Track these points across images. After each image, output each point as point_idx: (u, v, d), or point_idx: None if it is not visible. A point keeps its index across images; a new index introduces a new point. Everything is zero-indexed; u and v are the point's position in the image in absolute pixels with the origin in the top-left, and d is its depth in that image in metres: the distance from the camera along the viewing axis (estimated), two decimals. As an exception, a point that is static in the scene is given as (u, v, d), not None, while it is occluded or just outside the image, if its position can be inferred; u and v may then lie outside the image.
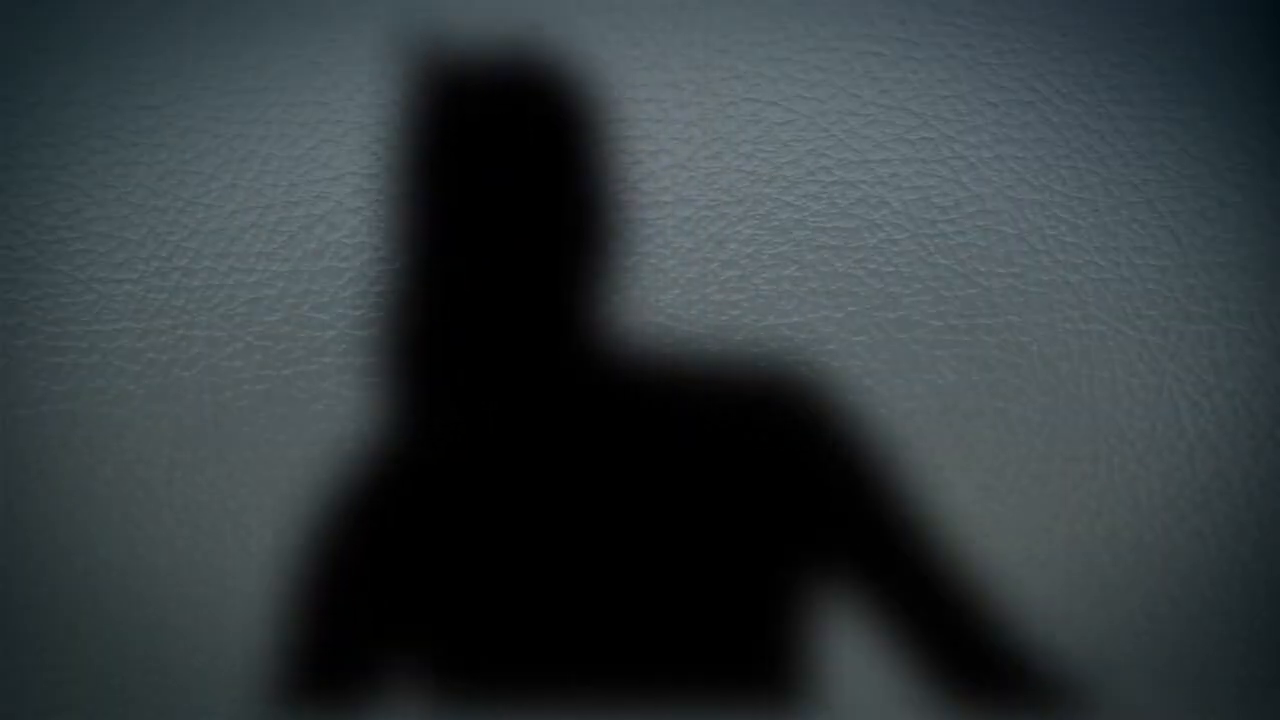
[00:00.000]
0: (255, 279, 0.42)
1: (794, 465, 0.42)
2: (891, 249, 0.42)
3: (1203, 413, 0.42)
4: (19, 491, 0.42)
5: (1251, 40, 0.42)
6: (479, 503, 0.43)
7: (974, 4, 0.42)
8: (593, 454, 0.42)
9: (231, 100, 0.42)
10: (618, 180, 0.42)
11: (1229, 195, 0.42)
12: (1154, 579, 0.43)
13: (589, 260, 0.42)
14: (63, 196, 0.42)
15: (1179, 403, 0.42)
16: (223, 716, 0.43)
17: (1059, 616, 0.43)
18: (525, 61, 0.42)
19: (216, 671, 0.43)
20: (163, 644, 0.43)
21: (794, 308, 0.42)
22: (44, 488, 0.42)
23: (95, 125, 0.42)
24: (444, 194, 0.42)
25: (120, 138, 0.42)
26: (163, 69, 0.42)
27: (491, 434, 0.42)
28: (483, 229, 0.42)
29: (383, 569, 0.43)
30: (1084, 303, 0.42)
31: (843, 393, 0.42)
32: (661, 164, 0.42)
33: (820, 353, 0.42)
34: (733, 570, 0.43)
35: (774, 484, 0.42)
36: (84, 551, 0.42)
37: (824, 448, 0.42)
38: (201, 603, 0.43)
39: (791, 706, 0.43)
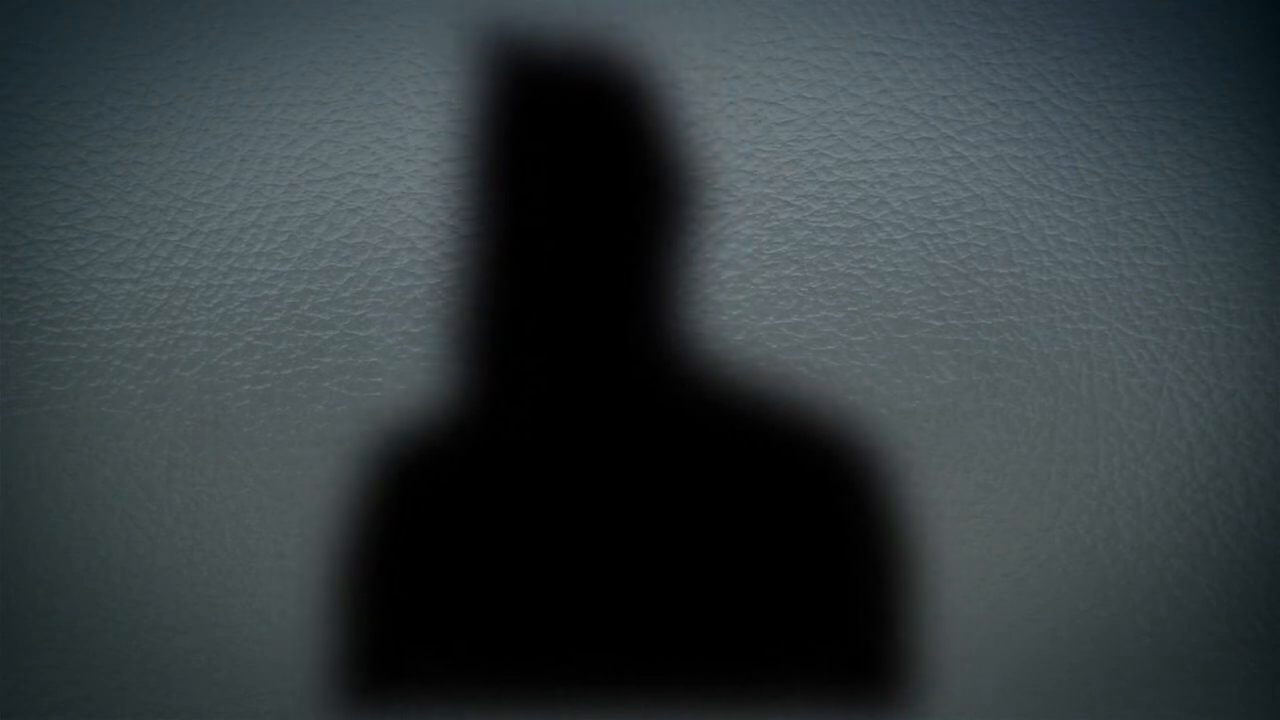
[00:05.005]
0: (255, 279, 0.42)
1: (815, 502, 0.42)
2: (891, 249, 0.42)
3: (1203, 413, 0.42)
4: (19, 491, 0.42)
5: (1251, 40, 0.42)
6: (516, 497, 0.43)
7: (974, 4, 0.42)
8: (642, 454, 0.42)
9: (231, 100, 0.42)
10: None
11: (1229, 195, 0.42)
12: (1154, 579, 0.43)
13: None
14: (63, 196, 0.42)
15: (1179, 403, 0.42)
16: (223, 716, 0.43)
17: (1060, 616, 0.43)
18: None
19: (216, 671, 0.43)
20: (162, 644, 0.43)
21: (794, 308, 0.42)
22: (44, 488, 0.42)
23: (95, 125, 0.42)
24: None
25: (120, 138, 0.42)
26: (163, 69, 0.42)
27: (542, 422, 0.42)
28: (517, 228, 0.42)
29: (430, 563, 0.43)
30: (1084, 303, 0.42)
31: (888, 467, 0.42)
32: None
33: (820, 353, 0.42)
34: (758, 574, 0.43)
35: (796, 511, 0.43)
36: (84, 551, 0.42)
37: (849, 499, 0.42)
38: (201, 603, 0.43)
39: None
